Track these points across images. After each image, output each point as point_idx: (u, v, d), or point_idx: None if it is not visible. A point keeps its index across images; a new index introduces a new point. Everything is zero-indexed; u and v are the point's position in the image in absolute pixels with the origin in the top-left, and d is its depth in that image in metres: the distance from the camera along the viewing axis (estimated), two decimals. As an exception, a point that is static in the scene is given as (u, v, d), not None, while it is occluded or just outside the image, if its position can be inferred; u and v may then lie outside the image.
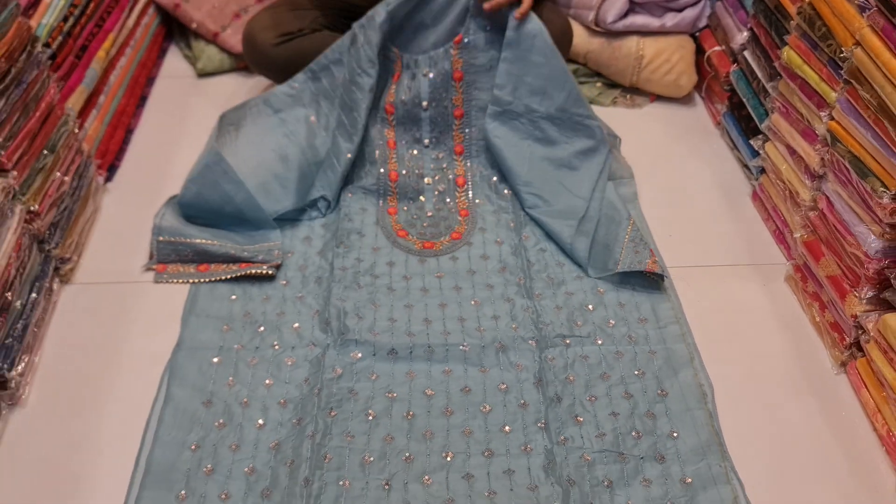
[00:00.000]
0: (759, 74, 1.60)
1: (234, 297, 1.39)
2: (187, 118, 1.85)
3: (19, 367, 1.22)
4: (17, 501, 1.10)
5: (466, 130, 1.67)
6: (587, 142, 1.61)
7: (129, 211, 1.57)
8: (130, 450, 1.15)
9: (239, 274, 1.41)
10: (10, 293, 1.23)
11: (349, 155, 1.60)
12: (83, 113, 1.59)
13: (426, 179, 1.63)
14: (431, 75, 1.64)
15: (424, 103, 1.65)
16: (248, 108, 1.69)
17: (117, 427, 1.19)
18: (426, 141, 1.67)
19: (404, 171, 1.65)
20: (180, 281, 1.42)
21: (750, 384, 1.28)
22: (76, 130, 1.50)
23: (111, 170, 1.67)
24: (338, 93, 1.65)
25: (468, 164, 1.65)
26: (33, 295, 1.30)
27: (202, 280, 1.41)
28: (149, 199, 1.58)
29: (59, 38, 1.52)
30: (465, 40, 1.63)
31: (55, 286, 1.38)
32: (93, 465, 1.14)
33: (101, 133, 1.66)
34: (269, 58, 1.71)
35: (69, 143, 1.47)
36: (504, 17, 1.59)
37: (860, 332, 1.26)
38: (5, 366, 1.18)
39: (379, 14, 1.59)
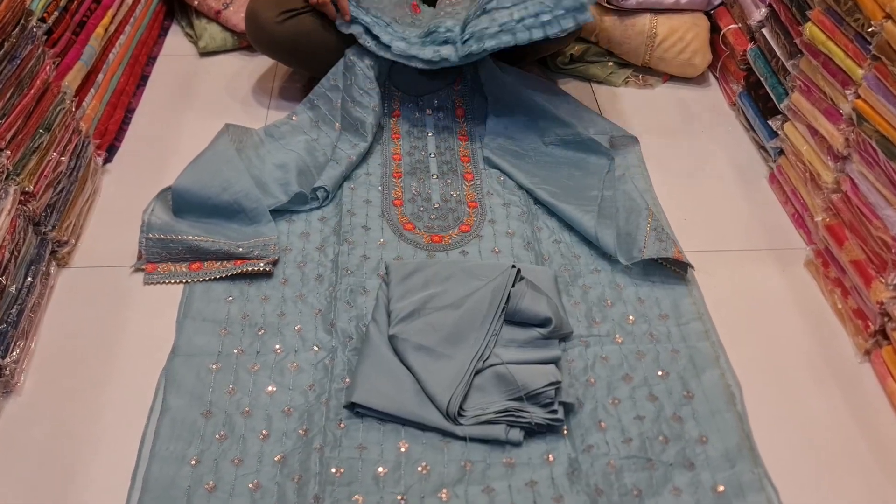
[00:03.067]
0: (779, 52, 1.51)
1: (230, 297, 1.27)
2: (189, 98, 1.74)
3: (14, 354, 1.13)
4: (11, 492, 1.02)
5: (471, 148, 1.61)
6: (590, 153, 1.56)
7: (129, 192, 1.46)
8: (129, 440, 1.07)
9: (234, 272, 1.29)
10: (4, 277, 1.13)
11: (353, 157, 1.52)
12: (81, 91, 1.47)
13: (433, 174, 1.55)
14: (433, 113, 1.67)
15: (430, 132, 1.64)
16: (249, 134, 1.57)
17: (115, 416, 1.11)
18: (433, 153, 1.60)
19: (409, 161, 1.57)
20: (172, 282, 1.30)
21: (772, 376, 1.19)
22: (73, 109, 1.39)
23: (111, 150, 1.56)
24: (337, 115, 1.58)
25: (476, 165, 1.57)
26: (29, 279, 1.20)
27: (195, 280, 1.30)
28: (149, 181, 1.46)
29: (56, 13, 1.39)
30: (465, 83, 1.69)
31: (52, 270, 1.28)
32: (90, 455, 1.06)
33: (99, 112, 1.55)
34: (272, 36, 1.62)
35: (66, 122, 1.36)
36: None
37: (886, 320, 1.18)
38: None
39: (371, 45, 1.57)
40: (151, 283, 1.31)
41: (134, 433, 1.09)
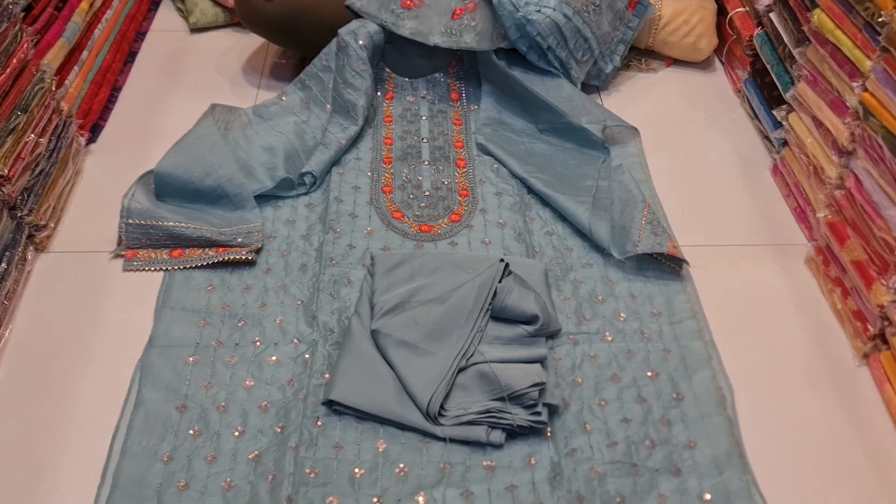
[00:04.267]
0: (786, 39, 1.45)
1: (210, 286, 1.24)
2: (178, 76, 1.70)
3: None
4: None
5: (465, 133, 1.58)
6: (585, 142, 1.51)
7: (113, 174, 1.42)
8: (103, 433, 1.04)
9: (216, 260, 1.26)
10: (-25, 263, 1.13)
11: (343, 142, 1.48)
12: (63, 69, 1.43)
13: (424, 160, 1.50)
14: (427, 95, 1.63)
15: (423, 116, 1.60)
16: (237, 114, 1.53)
17: (90, 409, 1.08)
18: (426, 138, 1.56)
19: (400, 146, 1.53)
20: (152, 269, 1.27)
21: (766, 377, 1.15)
22: (53, 88, 1.35)
23: (95, 130, 1.52)
24: (329, 97, 1.54)
25: (469, 152, 1.53)
26: (3, 265, 1.16)
27: (176, 267, 1.26)
28: (135, 162, 1.43)
29: (36, -12, 1.40)
30: (461, 66, 1.64)
31: (29, 255, 1.25)
32: (62, 449, 1.04)
33: (83, 91, 1.50)
34: (263, 14, 1.56)
35: (45, 101, 1.31)
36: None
37: (886, 324, 1.14)
38: (-29, 342, 1.09)
39: (368, 25, 1.55)
40: (131, 269, 1.28)
41: (108, 427, 1.06)
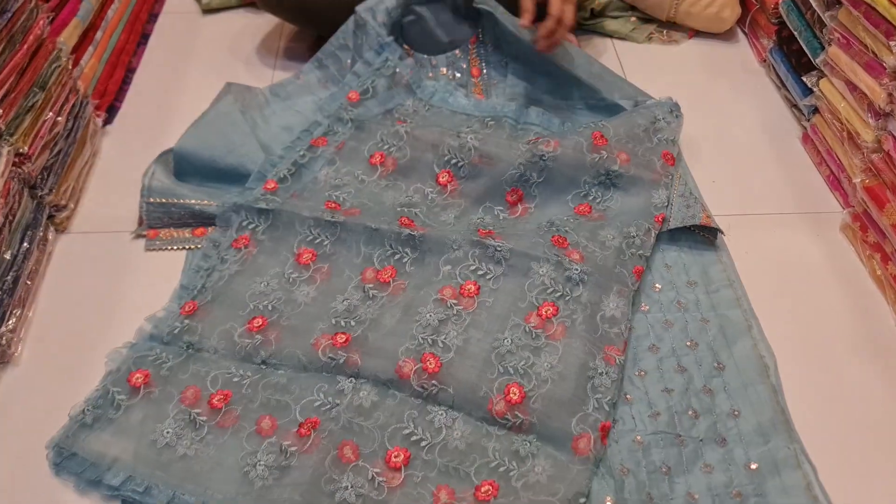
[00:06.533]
0: (814, 3, 1.40)
1: None
2: (191, 57, 1.68)
3: (10, 323, 1.09)
4: (8, 467, 0.98)
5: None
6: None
7: (130, 154, 1.40)
8: None
9: None
10: (-2, 242, 1.12)
11: None
12: (78, 49, 1.41)
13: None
14: (447, 72, 1.59)
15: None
16: (254, 94, 1.51)
17: None
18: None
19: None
20: (175, 248, 1.25)
21: (807, 345, 1.12)
22: (70, 67, 1.35)
23: (111, 111, 1.50)
24: (346, 75, 1.52)
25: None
26: (25, 245, 1.15)
27: (199, 246, 1.24)
28: (151, 142, 1.41)
29: (50, -34, 1.38)
30: (482, 41, 1.59)
31: (50, 235, 1.23)
32: None
33: (98, 72, 1.49)
34: None
35: (62, 80, 1.30)
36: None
37: (929, 288, 1.13)
38: (-5, 321, 1.05)
39: (386, 0, 1.52)
40: (153, 249, 1.26)
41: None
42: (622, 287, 1.15)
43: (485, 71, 1.62)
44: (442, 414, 1.00)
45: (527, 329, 1.09)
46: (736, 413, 1.03)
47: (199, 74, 1.63)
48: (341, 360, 1.05)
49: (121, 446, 0.98)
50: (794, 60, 1.53)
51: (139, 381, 1.04)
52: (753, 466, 0.98)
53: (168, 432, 0.99)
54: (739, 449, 0.99)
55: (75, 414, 1.01)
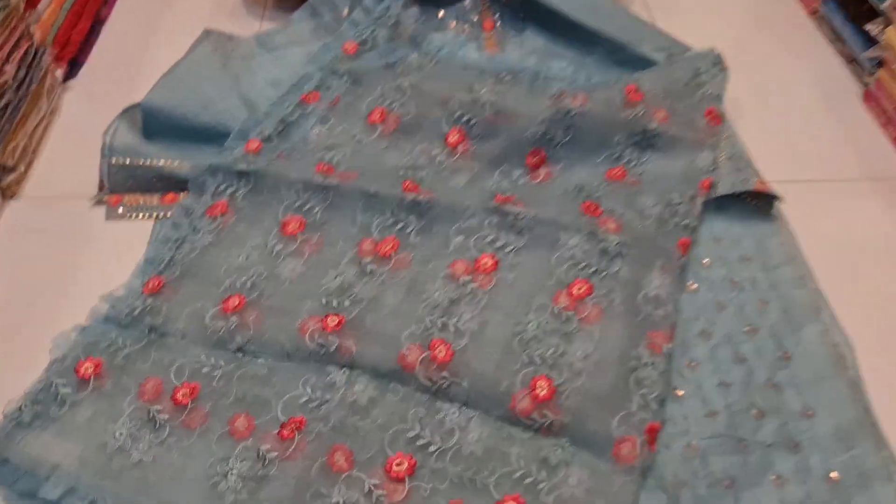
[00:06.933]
0: None
1: None
2: (170, 7, 1.53)
3: None
4: None
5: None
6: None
7: (94, 113, 1.24)
8: None
9: None
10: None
11: None
12: None
13: None
14: (457, 25, 1.43)
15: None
16: (237, 44, 1.36)
17: None
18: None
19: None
20: (141, 216, 1.10)
21: (886, 331, 0.96)
22: (21, 9, 1.18)
23: (73, 65, 1.35)
24: (342, 24, 1.36)
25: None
26: None
27: (167, 214, 1.09)
28: (120, 100, 1.25)
29: None
30: None
31: None
32: None
33: (59, 19, 1.32)
34: None
35: (10, 23, 1.13)
36: None
37: None
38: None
39: None
40: (115, 217, 1.10)
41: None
42: (666, 262, 0.97)
43: (498, 24, 1.45)
44: (454, 412, 0.84)
45: (555, 311, 0.91)
46: (809, 413, 0.86)
47: (178, 26, 1.47)
48: (332, 348, 0.88)
49: (64, 450, 0.82)
50: (852, 9, 1.36)
51: (88, 371, 0.87)
52: (834, 475, 0.81)
53: (121, 433, 0.83)
54: (816, 456, 0.82)
55: (10, 411, 0.84)
